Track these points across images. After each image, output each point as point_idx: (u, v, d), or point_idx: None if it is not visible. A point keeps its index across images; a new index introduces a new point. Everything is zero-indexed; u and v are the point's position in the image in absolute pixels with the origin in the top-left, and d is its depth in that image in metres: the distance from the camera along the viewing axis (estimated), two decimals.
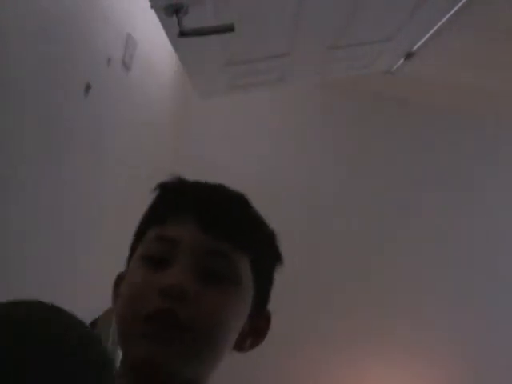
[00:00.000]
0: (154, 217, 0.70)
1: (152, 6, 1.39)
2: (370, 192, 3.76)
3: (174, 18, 1.38)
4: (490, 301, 3.72)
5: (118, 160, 2.20)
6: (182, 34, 1.38)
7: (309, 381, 3.63)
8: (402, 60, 2.68)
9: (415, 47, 2.51)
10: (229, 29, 1.41)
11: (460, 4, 2.04)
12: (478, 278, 3.74)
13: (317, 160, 3.76)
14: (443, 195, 3.78)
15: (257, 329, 0.70)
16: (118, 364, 0.67)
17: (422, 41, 2.42)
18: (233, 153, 3.67)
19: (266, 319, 0.72)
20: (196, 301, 0.61)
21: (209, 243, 0.64)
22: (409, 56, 2.61)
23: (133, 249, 0.71)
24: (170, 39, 1.63)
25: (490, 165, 3.84)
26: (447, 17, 2.16)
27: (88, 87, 1.67)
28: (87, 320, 2.10)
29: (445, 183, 3.80)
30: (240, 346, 0.69)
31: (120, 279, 0.72)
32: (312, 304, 3.63)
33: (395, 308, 3.69)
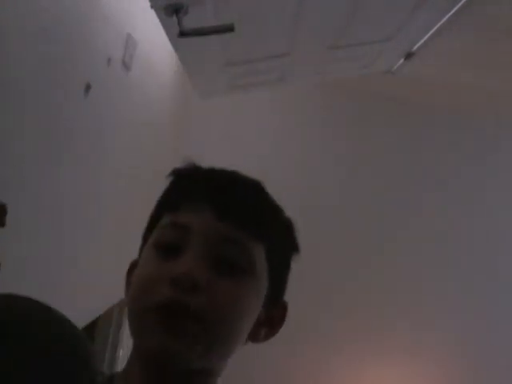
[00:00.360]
0: (168, 204, 0.68)
1: (152, 6, 1.39)
2: (370, 192, 3.76)
3: (174, 18, 1.38)
4: (489, 301, 3.73)
5: (118, 160, 2.20)
6: (182, 34, 1.38)
7: (309, 381, 3.63)
8: (402, 60, 2.68)
9: (415, 47, 2.51)
10: (229, 29, 1.41)
11: (460, 4, 2.04)
12: (477, 278, 3.74)
13: (317, 160, 3.76)
14: (443, 195, 3.79)
15: (272, 319, 0.69)
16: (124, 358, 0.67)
17: (422, 41, 2.42)
18: (233, 153, 3.67)
19: (282, 309, 0.70)
20: (208, 290, 0.59)
21: (222, 230, 0.63)
22: (409, 56, 2.61)
23: (145, 237, 0.70)
24: (170, 39, 1.64)
25: (490, 165, 3.84)
26: (447, 17, 2.16)
27: (88, 87, 1.67)
28: (87, 320, 2.10)
29: (445, 183, 3.80)
30: (254, 337, 0.68)
31: (133, 267, 0.71)
32: (312, 304, 3.63)
33: (395, 308, 3.69)
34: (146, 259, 0.65)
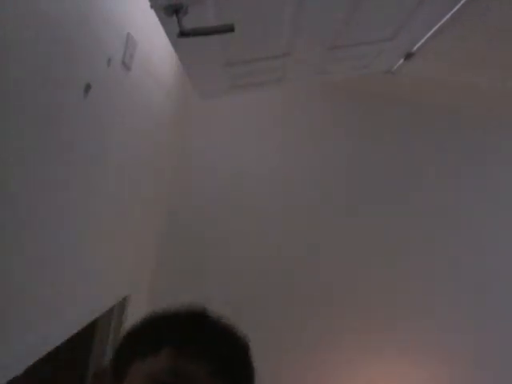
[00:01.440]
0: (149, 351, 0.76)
1: (152, 6, 1.39)
2: (370, 192, 3.76)
3: (174, 18, 1.38)
4: (491, 300, 3.73)
5: (118, 160, 2.20)
6: (182, 34, 1.38)
7: (310, 381, 3.63)
8: (402, 60, 2.68)
9: (415, 47, 2.50)
10: (229, 29, 1.41)
11: (460, 4, 2.04)
12: (477, 277, 3.74)
13: (317, 160, 3.77)
14: (443, 195, 3.79)
15: None
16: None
17: (422, 41, 2.41)
18: (233, 153, 3.67)
19: None
20: None
21: None
22: (409, 56, 2.61)
23: (131, 358, 0.77)
24: (170, 39, 1.63)
25: (490, 165, 3.84)
26: (447, 17, 2.16)
27: (88, 87, 1.67)
28: (87, 320, 2.10)
29: (445, 183, 3.80)
30: None
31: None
32: (312, 304, 3.63)
33: (395, 308, 3.69)
34: None
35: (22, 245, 1.42)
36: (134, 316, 3.00)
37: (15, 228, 1.35)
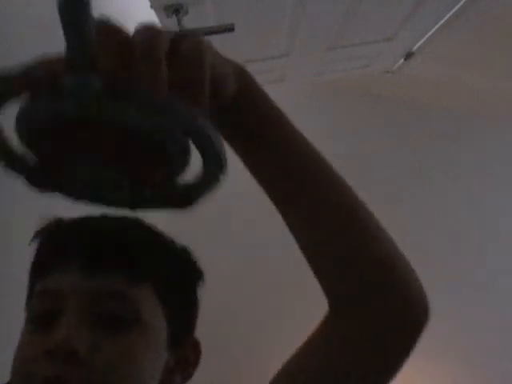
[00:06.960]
0: (37, 270, 0.61)
1: (152, 6, 1.39)
2: (369, 191, 3.75)
3: (174, 18, 1.38)
4: (493, 301, 3.72)
5: None
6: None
7: None
8: (402, 60, 2.68)
9: (415, 47, 2.51)
10: (229, 29, 1.41)
11: (460, 4, 2.04)
12: (477, 276, 3.74)
13: None
14: (443, 195, 3.79)
15: (184, 361, 0.62)
16: None
17: (422, 41, 2.42)
18: (232, 153, 3.67)
19: (193, 348, 0.64)
20: (90, 359, 0.52)
21: (95, 285, 0.55)
22: (409, 56, 2.62)
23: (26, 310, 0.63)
24: None
25: (491, 165, 3.84)
26: (447, 17, 2.16)
27: None
28: None
29: (445, 183, 3.80)
30: None
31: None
32: (314, 304, 3.63)
33: None
34: (22, 337, 0.58)
35: (23, 245, 1.41)
36: None
37: (14, 228, 1.36)
